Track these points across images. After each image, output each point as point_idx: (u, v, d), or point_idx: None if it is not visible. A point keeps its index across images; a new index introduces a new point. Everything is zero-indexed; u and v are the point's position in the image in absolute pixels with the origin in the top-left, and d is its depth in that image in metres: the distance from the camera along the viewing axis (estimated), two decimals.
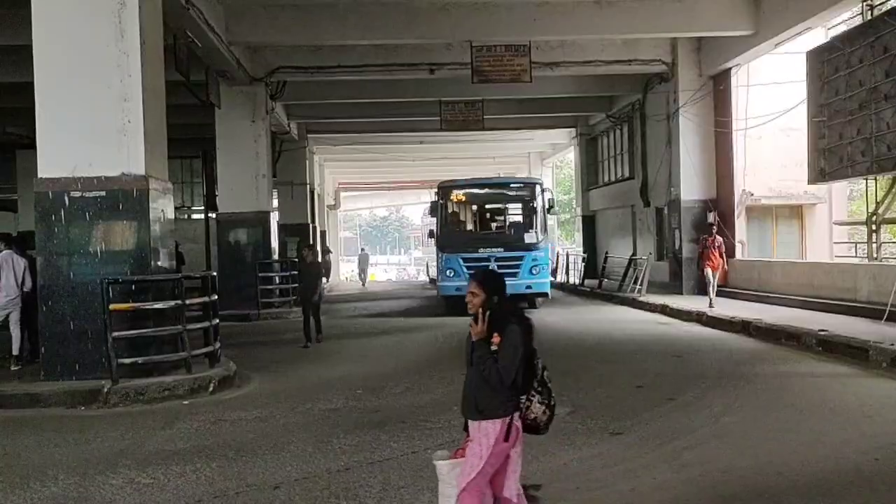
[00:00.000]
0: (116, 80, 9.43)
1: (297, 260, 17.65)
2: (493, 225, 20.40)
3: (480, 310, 4.10)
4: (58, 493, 5.71)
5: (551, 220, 28.25)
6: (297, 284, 15.23)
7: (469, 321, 4.15)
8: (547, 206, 18.88)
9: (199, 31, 14.57)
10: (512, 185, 20.82)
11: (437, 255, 19.41)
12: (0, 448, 7.03)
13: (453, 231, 19.21)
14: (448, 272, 18.05)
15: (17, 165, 26.75)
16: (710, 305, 15.91)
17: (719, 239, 16.82)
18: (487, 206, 20.71)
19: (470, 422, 4.19)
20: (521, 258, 17.74)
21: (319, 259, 19.33)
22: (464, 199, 19.93)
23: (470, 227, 20.29)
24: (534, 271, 17.86)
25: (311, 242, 15.76)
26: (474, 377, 4.14)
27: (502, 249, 17.90)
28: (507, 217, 20.66)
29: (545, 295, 18.63)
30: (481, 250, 17.81)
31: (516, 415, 4.18)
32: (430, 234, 19.89)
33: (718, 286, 18.98)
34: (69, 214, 9.44)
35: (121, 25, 9.41)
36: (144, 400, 8.88)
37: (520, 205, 19.92)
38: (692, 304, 16.73)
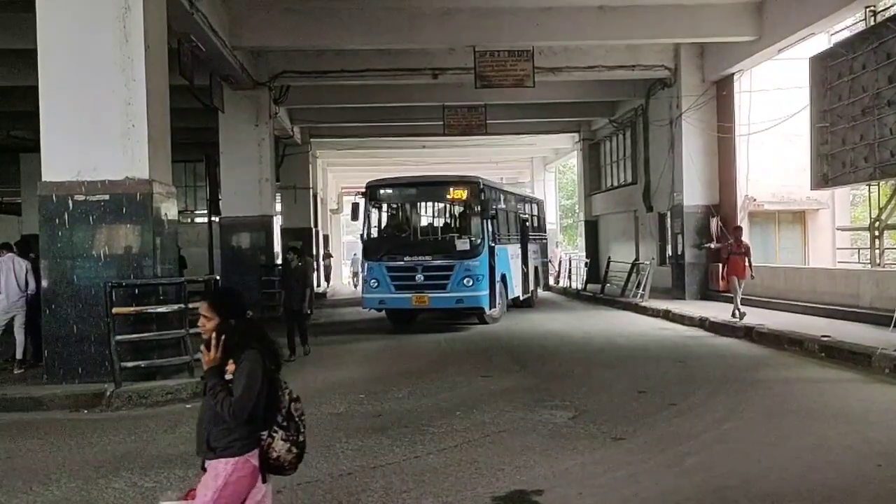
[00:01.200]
0: (120, 85, 9.46)
1: (279, 265, 16.56)
2: (424, 230, 17.79)
3: (214, 335, 3.61)
4: (61, 496, 5.71)
5: (553, 225, 28.33)
6: (280, 292, 13.00)
7: None
8: (489, 209, 16.56)
9: (203, 36, 14.59)
10: (445, 185, 17.86)
11: (362, 262, 17.70)
12: (3, 451, 7.04)
13: (381, 236, 17.08)
14: (372, 282, 16.09)
15: (21, 169, 26.81)
16: (734, 315, 14.63)
17: (745, 243, 15.40)
18: (419, 209, 18.34)
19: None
20: (450, 268, 15.70)
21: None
22: (393, 200, 17.66)
23: (400, 231, 17.40)
24: (466, 283, 15.68)
25: (297, 245, 14.12)
26: (208, 410, 3.65)
27: (430, 258, 15.88)
28: (441, 221, 18.71)
29: (480, 310, 16.44)
30: (407, 259, 15.87)
31: (255, 453, 3.65)
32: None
33: (720, 292, 19.02)
34: (73, 218, 9.47)
35: (125, 30, 9.45)
36: (147, 403, 8.89)
37: (455, 207, 17.99)
38: (695, 310, 16.72)
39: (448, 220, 18.51)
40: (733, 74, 19.16)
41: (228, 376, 3.55)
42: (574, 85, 22.69)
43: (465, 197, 16.86)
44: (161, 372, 9.56)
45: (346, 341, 15.01)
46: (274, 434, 3.63)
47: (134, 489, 5.80)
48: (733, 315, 14.66)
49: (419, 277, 15.62)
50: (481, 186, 16.56)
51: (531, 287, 21.33)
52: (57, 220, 9.48)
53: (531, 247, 21.60)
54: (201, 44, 14.86)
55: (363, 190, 17.45)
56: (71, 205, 9.46)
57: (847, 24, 16.89)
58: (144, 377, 9.33)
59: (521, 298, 20.04)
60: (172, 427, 7.82)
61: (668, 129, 20.83)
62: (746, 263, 14.85)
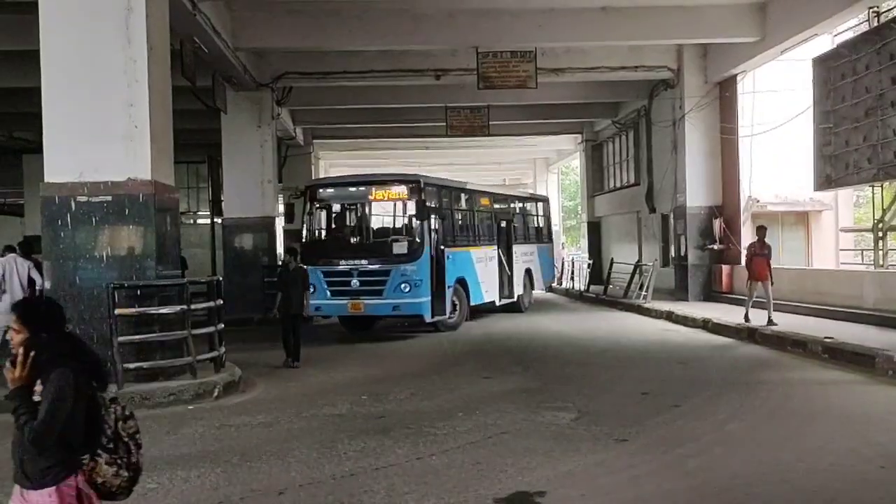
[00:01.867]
0: (123, 86, 9.46)
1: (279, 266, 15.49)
2: (362, 232, 16.83)
3: (22, 350, 3.19)
4: None
5: (556, 227, 27.87)
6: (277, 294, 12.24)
7: None
8: (431, 210, 15.52)
9: (206, 37, 14.60)
10: (383, 184, 16.58)
11: None
12: (4, 452, 7.02)
13: (319, 239, 16.31)
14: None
15: (24, 170, 26.83)
16: (746, 319, 14.11)
17: (769, 245, 14.52)
18: (358, 210, 17.09)
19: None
20: (387, 272, 14.70)
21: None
22: (333, 200, 16.64)
23: (338, 234, 16.74)
24: (403, 288, 14.58)
25: (295, 247, 13.59)
26: (17, 433, 3.22)
27: (366, 262, 15.04)
28: (380, 222, 17.76)
29: (420, 318, 15.14)
30: (343, 263, 15.00)
31: (73, 479, 3.21)
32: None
33: (723, 293, 19.01)
34: (75, 219, 9.46)
35: (128, 31, 9.44)
36: (149, 405, 8.88)
37: (394, 208, 17.02)
38: (698, 311, 16.70)
39: (387, 222, 17.67)
40: (736, 75, 19.14)
41: (37, 397, 3.13)
42: (577, 86, 22.66)
43: (404, 197, 15.89)
44: (163, 373, 9.55)
45: (348, 342, 15.01)
46: (97, 458, 3.26)
47: (136, 490, 5.77)
48: (746, 318, 14.17)
49: (354, 283, 14.59)
50: (422, 185, 15.42)
51: (517, 291, 19.94)
52: (59, 222, 9.47)
53: (522, 249, 20.72)
54: (204, 45, 14.87)
55: (302, 190, 16.80)
56: (73, 206, 9.45)
57: (850, 25, 16.86)
58: (146, 378, 9.33)
59: (500, 303, 18.88)
60: (175, 428, 7.82)
61: (671, 130, 20.80)
62: (767, 263, 14.05)
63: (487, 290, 18.09)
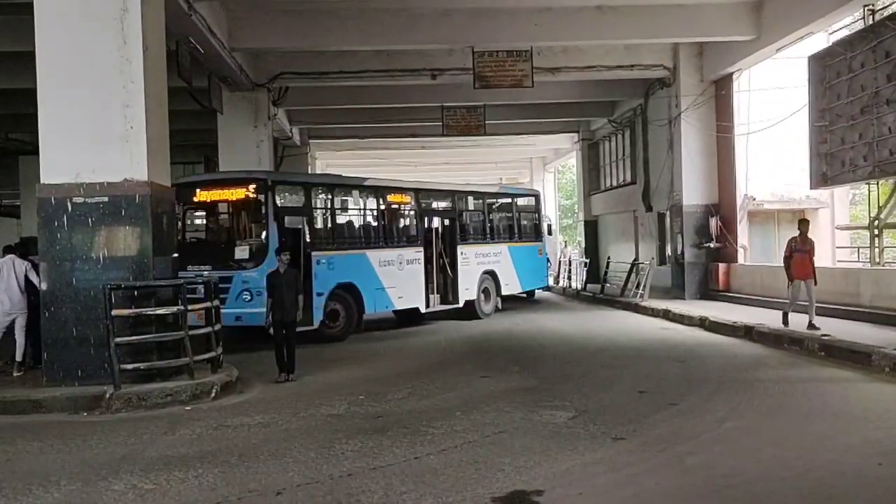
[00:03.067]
0: (119, 87, 9.45)
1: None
2: (214, 236, 15.64)
3: None
4: (60, 499, 5.70)
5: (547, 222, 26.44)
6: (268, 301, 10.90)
7: None
8: (281, 211, 14.27)
9: (202, 37, 14.59)
10: (228, 184, 15.02)
11: None
12: (3, 454, 7.03)
13: (182, 243, 14.45)
14: None
15: (20, 172, 26.80)
16: (785, 323, 13.08)
17: (811, 240, 13.34)
18: (213, 211, 15.65)
19: None
20: (229, 279, 13.41)
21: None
22: (193, 201, 15.12)
23: (194, 237, 15.69)
24: (245, 297, 13.37)
25: (286, 247, 12.46)
26: None
27: (211, 267, 13.48)
28: (227, 225, 15.72)
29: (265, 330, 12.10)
30: (191, 268, 13.43)
31: None
32: None
33: (720, 291, 19.03)
34: (72, 220, 9.46)
35: (123, 32, 9.44)
36: (147, 405, 8.88)
37: (244, 208, 14.94)
38: (695, 309, 16.72)
39: (233, 225, 15.43)
40: (732, 74, 19.17)
41: None
42: (573, 85, 22.68)
43: (249, 197, 14.31)
44: (160, 374, 9.54)
45: (345, 342, 14.99)
46: None
47: (133, 491, 5.79)
48: (784, 322, 13.07)
49: (200, 290, 12.55)
50: (269, 184, 14.05)
51: (467, 296, 18.36)
52: (56, 223, 9.47)
53: (480, 249, 19.16)
54: (200, 45, 14.86)
55: None
56: (70, 207, 9.45)
57: (846, 23, 16.89)
58: (144, 379, 9.31)
59: (429, 310, 17.50)
60: (172, 429, 7.81)
61: (668, 128, 20.83)
62: (810, 260, 12.93)
63: (401, 295, 16.48)
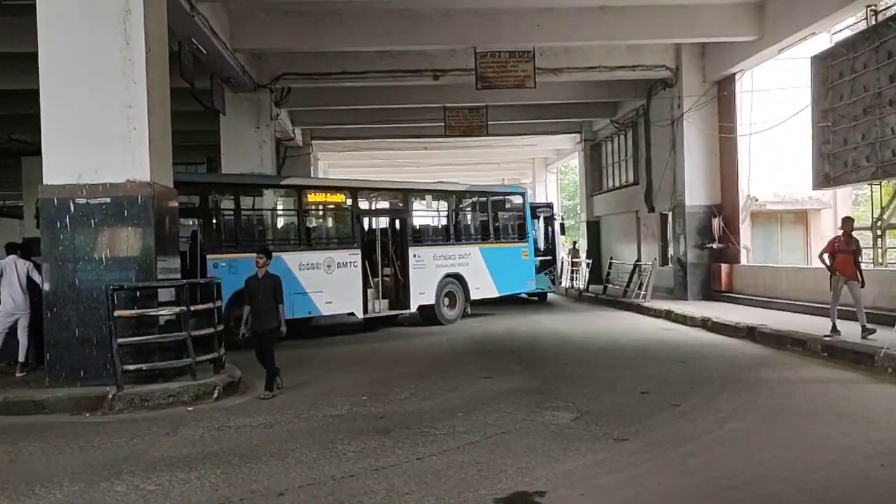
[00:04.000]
0: (122, 88, 9.46)
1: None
2: None
3: None
4: (63, 499, 5.71)
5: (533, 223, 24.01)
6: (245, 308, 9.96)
7: None
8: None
9: (204, 38, 14.61)
10: None
11: None
12: (5, 455, 7.04)
13: None
14: None
15: (23, 172, 26.81)
16: (834, 330, 11.91)
17: (856, 240, 12.32)
18: None
19: None
20: None
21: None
22: None
23: None
24: None
25: (266, 248, 10.90)
26: None
27: None
28: None
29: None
30: None
31: None
32: None
33: (723, 292, 19.01)
34: (74, 221, 9.47)
35: (126, 33, 9.45)
36: (149, 406, 8.89)
37: None
38: (697, 310, 16.71)
39: None
40: (734, 74, 19.17)
41: None
42: (575, 85, 22.70)
43: None
44: (163, 375, 9.54)
45: (348, 343, 15.01)
46: None
47: (136, 492, 5.79)
48: (834, 330, 11.92)
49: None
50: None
51: (422, 300, 17.40)
52: (58, 224, 9.47)
53: (441, 251, 18.05)
54: (202, 46, 14.89)
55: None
56: (72, 208, 9.46)
57: (848, 24, 16.88)
58: (146, 380, 9.32)
59: (367, 315, 16.48)
60: (174, 430, 7.82)
61: (670, 129, 20.82)
62: (854, 261, 12.01)
63: (330, 300, 15.47)
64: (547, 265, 23.15)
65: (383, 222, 18.04)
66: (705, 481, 5.74)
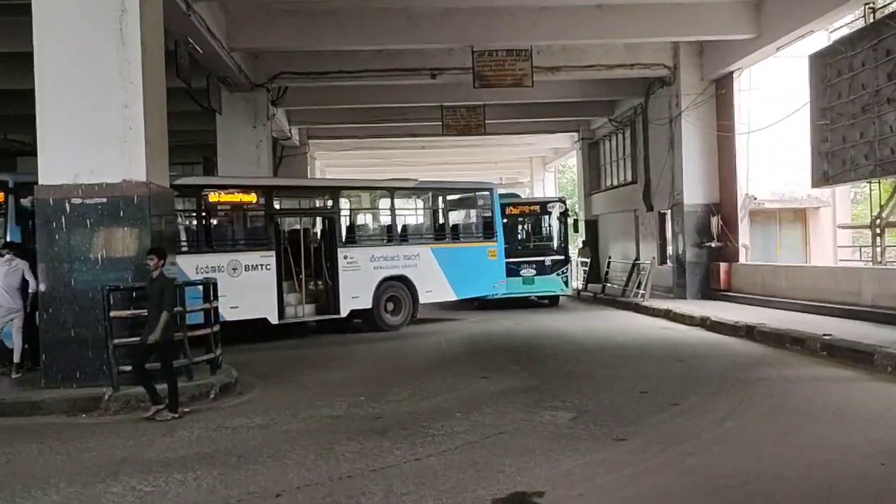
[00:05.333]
0: (118, 87, 9.42)
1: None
2: None
3: None
4: (59, 501, 5.68)
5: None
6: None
7: None
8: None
9: (201, 38, 14.58)
10: None
11: None
12: (2, 456, 7.00)
13: None
14: None
15: (19, 172, 26.76)
16: None
17: None
18: None
19: None
20: None
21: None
22: None
23: None
24: None
25: (157, 245, 9.45)
26: None
27: None
28: None
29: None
30: None
31: None
32: None
33: (721, 291, 19.00)
34: (70, 221, 9.42)
35: (122, 32, 9.40)
36: (145, 407, 8.81)
37: None
38: (696, 309, 16.70)
39: None
40: (733, 73, 19.15)
41: None
42: (573, 84, 22.67)
43: None
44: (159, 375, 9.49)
45: (345, 343, 14.98)
46: None
47: (132, 493, 5.76)
48: None
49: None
50: (10, 185, 12.13)
51: (354, 305, 16.18)
52: (54, 224, 9.43)
53: (381, 251, 16.89)
54: (198, 46, 14.85)
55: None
56: (68, 208, 9.41)
57: (846, 22, 16.88)
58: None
59: (282, 321, 15.24)
60: (170, 431, 7.79)
61: (668, 127, 20.81)
62: None
63: (235, 305, 14.06)
64: (559, 265, 21.63)
65: (308, 222, 17.20)
66: (704, 480, 5.72)
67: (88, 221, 9.45)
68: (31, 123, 9.63)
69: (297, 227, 16.69)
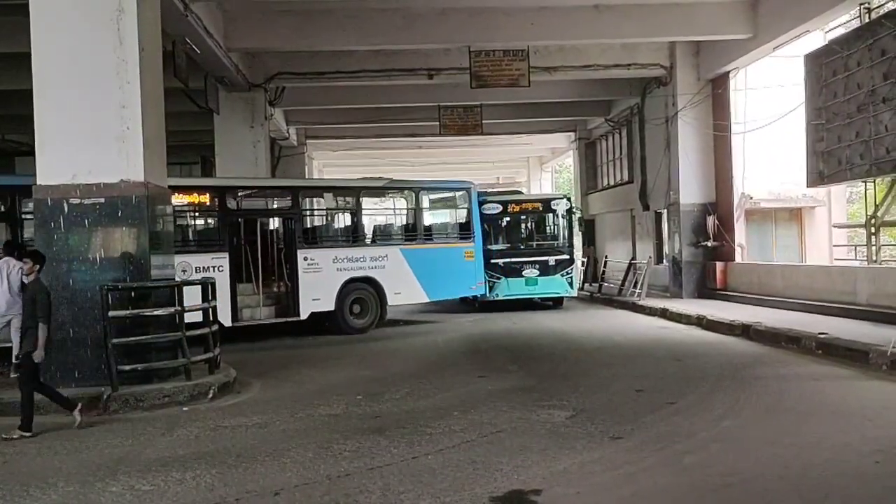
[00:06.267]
0: (115, 87, 9.42)
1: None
2: None
3: None
4: (58, 500, 5.70)
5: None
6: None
7: None
8: None
9: (198, 38, 14.58)
10: None
11: None
12: (0, 455, 7.02)
13: None
14: None
15: (17, 173, 26.72)
16: None
17: None
18: None
19: None
20: None
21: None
22: None
23: None
24: None
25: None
26: None
27: None
28: None
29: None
30: None
31: None
32: None
33: (718, 290, 19.04)
34: (68, 221, 9.43)
35: (120, 32, 9.41)
36: (144, 406, 8.87)
37: None
38: (692, 308, 16.72)
39: None
40: (729, 72, 19.20)
41: None
42: (570, 84, 22.70)
43: None
44: (157, 375, 9.52)
45: (343, 342, 14.99)
46: None
47: (131, 493, 5.78)
48: None
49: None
50: None
51: (314, 307, 15.74)
52: (52, 224, 9.43)
53: (346, 253, 16.38)
54: (196, 46, 14.85)
55: None
56: (66, 208, 9.42)
57: (842, 22, 16.91)
58: (141, 380, 9.30)
59: (236, 324, 14.70)
60: (169, 430, 7.80)
61: (665, 127, 20.85)
62: None
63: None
64: (563, 265, 20.48)
65: (271, 223, 16.84)
66: (701, 479, 5.75)
67: (86, 221, 9.46)
68: (29, 123, 9.63)
69: (257, 228, 16.18)
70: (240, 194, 15.83)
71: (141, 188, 9.50)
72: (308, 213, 16.72)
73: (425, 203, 18.68)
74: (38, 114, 9.48)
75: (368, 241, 17.25)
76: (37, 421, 8.39)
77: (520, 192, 26.53)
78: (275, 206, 16.82)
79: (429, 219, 18.92)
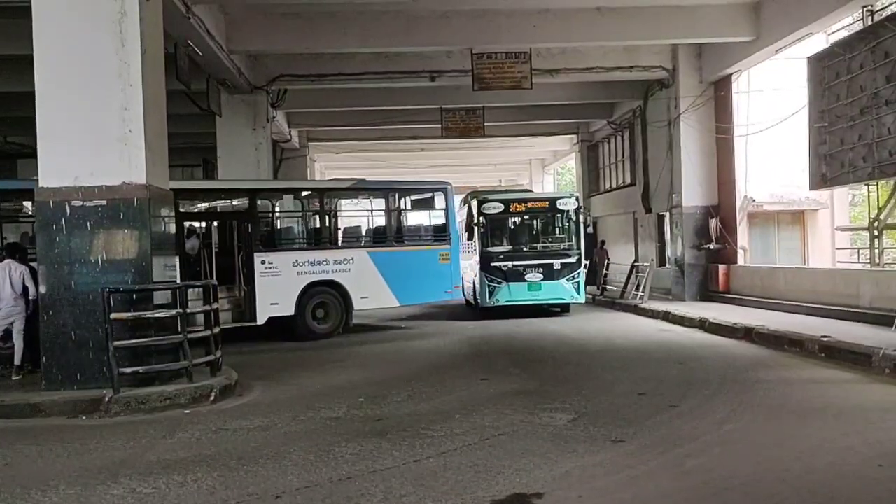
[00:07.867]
0: (117, 90, 9.43)
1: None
2: None
3: None
4: (59, 503, 5.69)
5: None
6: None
7: None
8: None
9: (200, 40, 14.60)
10: None
11: None
12: (1, 458, 7.01)
13: None
14: None
15: (19, 175, 26.74)
16: None
17: None
18: None
19: None
20: None
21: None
22: None
23: None
24: None
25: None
26: None
27: None
28: None
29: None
30: None
31: None
32: None
33: (720, 293, 19.02)
34: (70, 223, 9.43)
35: (122, 35, 9.42)
36: (146, 409, 8.86)
37: None
38: (695, 311, 16.70)
39: None
40: (731, 75, 19.19)
41: None
42: (572, 86, 22.71)
43: None
44: (159, 377, 9.52)
45: (344, 345, 14.97)
46: None
47: (133, 495, 5.77)
48: None
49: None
50: None
51: (270, 312, 15.31)
52: (54, 226, 9.44)
53: (294, 258, 15.79)
54: (198, 48, 14.87)
55: None
56: (68, 210, 9.42)
57: (845, 24, 16.89)
58: (142, 383, 9.30)
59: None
60: (171, 432, 7.79)
61: (667, 130, 20.83)
62: None
63: None
64: (570, 270, 19.33)
65: (225, 226, 16.44)
66: (703, 482, 5.73)
67: (88, 224, 9.46)
68: (31, 126, 9.63)
69: (213, 231, 15.93)
70: (192, 197, 15.52)
71: (143, 190, 9.50)
72: (265, 215, 16.26)
73: (397, 204, 17.95)
74: (40, 116, 9.48)
75: (333, 243, 16.72)
76: (38, 424, 8.43)
77: (529, 192, 26.34)
78: (230, 210, 16.42)
79: (401, 220, 18.23)
